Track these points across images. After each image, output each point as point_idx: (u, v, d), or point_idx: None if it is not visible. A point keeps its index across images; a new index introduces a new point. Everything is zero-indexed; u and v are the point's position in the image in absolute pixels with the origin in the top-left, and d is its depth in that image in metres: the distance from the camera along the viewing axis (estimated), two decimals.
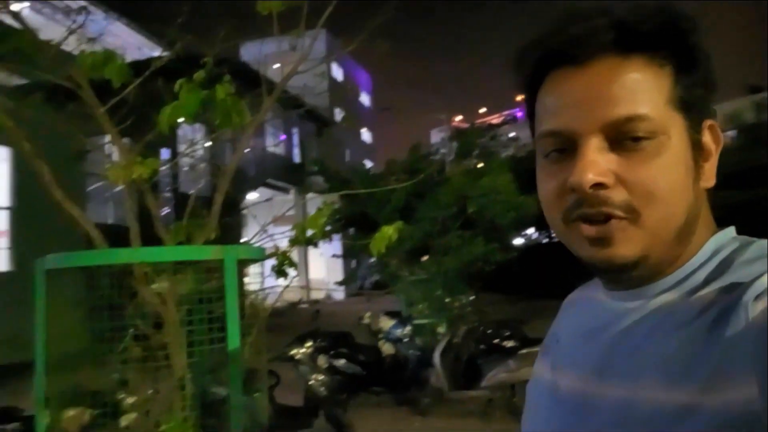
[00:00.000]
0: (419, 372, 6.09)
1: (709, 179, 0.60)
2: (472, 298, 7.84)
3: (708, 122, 0.60)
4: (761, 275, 0.51)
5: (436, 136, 40.13)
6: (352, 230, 11.15)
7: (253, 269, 3.44)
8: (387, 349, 6.70)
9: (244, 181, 21.85)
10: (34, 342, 1.93)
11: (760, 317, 0.48)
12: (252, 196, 22.45)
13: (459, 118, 42.37)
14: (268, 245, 2.58)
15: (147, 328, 2.01)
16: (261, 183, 23.33)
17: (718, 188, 0.61)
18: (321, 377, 5.33)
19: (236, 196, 20.03)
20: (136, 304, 2.00)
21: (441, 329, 6.82)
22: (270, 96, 2.65)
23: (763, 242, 0.57)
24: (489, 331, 6.07)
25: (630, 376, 0.55)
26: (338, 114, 35.37)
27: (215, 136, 3.13)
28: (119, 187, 2.06)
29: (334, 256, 10.55)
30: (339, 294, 24.10)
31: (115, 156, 2.21)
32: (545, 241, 20.55)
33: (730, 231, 0.62)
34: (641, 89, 0.56)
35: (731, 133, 18.81)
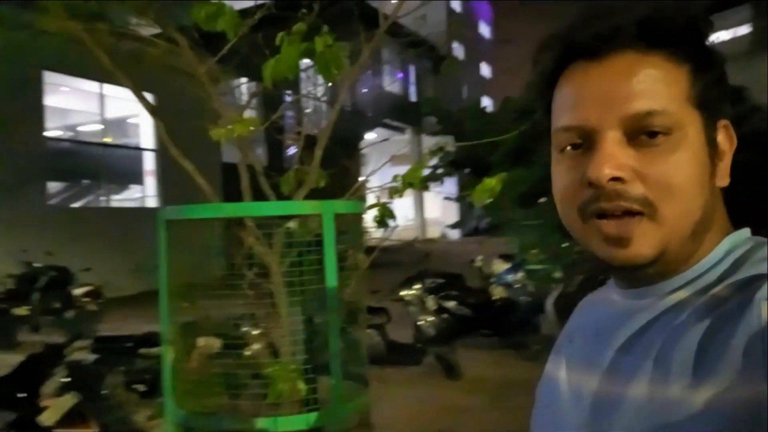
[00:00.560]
0: (529, 318, 6.01)
1: (724, 178, 0.60)
2: None
3: (722, 122, 0.61)
4: None
5: None
6: (467, 170, 10.98)
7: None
8: (498, 292, 6.66)
9: (361, 122, 22.23)
10: (159, 281, 2.15)
11: None
12: (370, 137, 22.85)
13: None
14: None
15: (254, 275, 2.15)
16: (378, 123, 23.57)
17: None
18: (430, 318, 5.46)
19: (354, 136, 20.55)
20: (244, 252, 2.15)
21: (556, 275, 6.60)
22: (380, 30, 2.59)
23: None
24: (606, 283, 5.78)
25: (646, 374, 0.55)
26: (456, 48, 34.20)
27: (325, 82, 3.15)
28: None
29: (446, 198, 10.45)
30: (454, 234, 24.21)
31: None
32: None
33: (745, 231, 0.61)
34: (660, 85, 0.56)
35: None
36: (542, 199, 8.56)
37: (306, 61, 2.37)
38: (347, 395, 2.08)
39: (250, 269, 2.14)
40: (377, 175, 2.85)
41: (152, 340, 3.43)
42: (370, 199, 2.78)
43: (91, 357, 3.26)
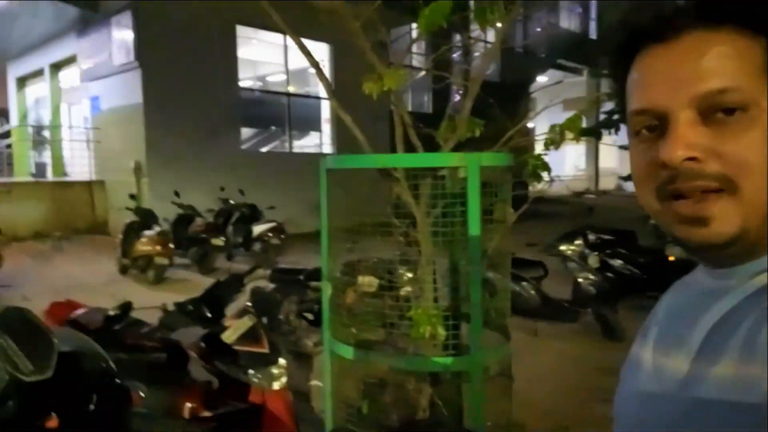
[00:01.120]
0: None
1: None
2: None
3: None
4: None
5: None
6: None
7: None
8: (675, 253, 6.07)
9: (533, 64, 21.04)
10: (321, 223, 2.38)
11: None
12: (542, 79, 21.60)
13: None
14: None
15: (403, 223, 2.27)
16: (552, 64, 22.11)
17: None
18: (591, 276, 5.20)
19: (525, 79, 19.59)
20: (393, 201, 2.26)
21: None
22: None
23: None
24: None
25: (733, 356, 0.54)
26: None
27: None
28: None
29: (620, 147, 9.60)
30: (631, 186, 22.22)
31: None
32: None
33: None
34: (731, 61, 0.55)
35: None
36: None
37: None
38: (488, 345, 2.13)
39: (400, 218, 2.26)
40: (547, 121, 2.75)
41: (320, 274, 3.81)
42: (539, 147, 2.70)
43: (270, 285, 3.73)
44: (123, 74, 11.15)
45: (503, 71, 18.61)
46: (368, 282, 2.51)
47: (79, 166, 12.90)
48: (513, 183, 2.38)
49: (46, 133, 15.75)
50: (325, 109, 14.26)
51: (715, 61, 0.55)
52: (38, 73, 14.96)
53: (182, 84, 10.91)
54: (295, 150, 14.49)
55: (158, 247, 7.55)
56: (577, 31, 24.04)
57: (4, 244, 8.06)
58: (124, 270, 8.11)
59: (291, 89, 14.25)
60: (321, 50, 12.44)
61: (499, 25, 2.51)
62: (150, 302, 3.22)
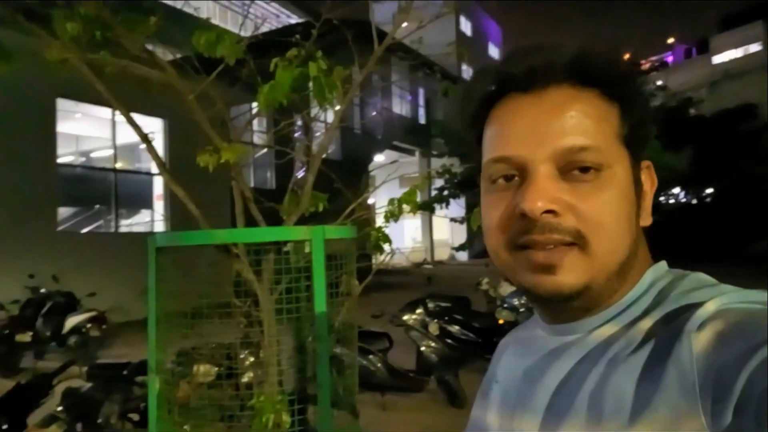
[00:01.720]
0: None
1: (647, 218, 0.61)
2: None
3: (645, 162, 0.62)
4: (700, 305, 0.51)
5: None
6: (476, 190, 10.96)
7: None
8: (504, 316, 6.56)
9: (371, 144, 22.35)
10: (148, 308, 2.13)
11: (704, 347, 0.48)
12: (380, 158, 22.94)
13: None
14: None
15: (245, 302, 2.12)
16: (388, 145, 23.69)
17: None
18: (432, 344, 5.37)
19: (363, 158, 20.64)
20: (233, 279, 2.12)
21: None
22: (375, 54, 2.60)
23: (696, 274, 0.59)
24: None
25: (580, 416, 0.54)
26: (466, 71, 34.46)
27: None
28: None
29: (451, 220, 10.43)
30: (463, 256, 24.04)
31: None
32: (694, 201, 18.71)
33: (663, 264, 0.63)
34: (592, 122, 0.57)
35: None
36: None
37: None
38: (337, 426, 2.03)
39: (241, 296, 2.12)
40: (386, 197, 2.84)
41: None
42: (380, 221, 2.76)
43: (87, 385, 3.23)
44: None
45: (344, 150, 19.47)
46: (205, 371, 2.29)
47: None
48: (357, 255, 2.39)
49: None
50: (158, 185, 13.47)
51: (578, 119, 0.57)
52: None
53: None
54: (123, 230, 13.35)
55: None
56: (408, 116, 26.26)
57: None
58: None
59: (119, 165, 13.28)
60: (154, 125, 11.89)
61: (337, 107, 2.61)
62: None
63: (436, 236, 26.55)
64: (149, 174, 13.68)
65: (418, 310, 5.91)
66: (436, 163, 16.06)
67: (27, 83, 9.54)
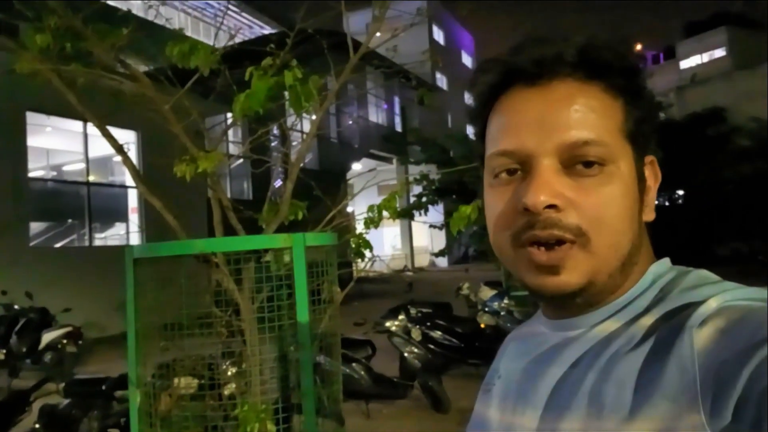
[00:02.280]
0: None
1: (650, 213, 0.61)
2: None
3: (649, 157, 0.61)
4: (703, 302, 0.51)
5: None
6: (454, 197, 11.04)
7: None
8: (485, 320, 6.60)
9: (348, 153, 22.37)
10: (127, 321, 2.10)
11: (706, 344, 0.48)
12: (357, 167, 22.96)
13: None
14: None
15: (225, 312, 2.11)
16: (365, 153, 23.74)
17: None
18: (415, 350, 5.38)
19: (341, 167, 20.64)
20: (213, 289, 2.10)
21: None
22: (351, 62, 2.61)
23: (699, 271, 0.58)
24: None
25: (581, 410, 0.54)
26: (440, 79, 34.76)
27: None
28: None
29: (430, 226, 10.47)
30: (443, 262, 24.13)
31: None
32: (666, 204, 19.09)
33: (666, 261, 0.62)
34: (597, 116, 0.56)
35: None
36: None
37: None
38: None
39: (221, 306, 2.10)
40: (364, 205, 2.85)
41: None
42: (360, 228, 2.77)
43: (64, 401, 3.16)
44: None
45: (321, 159, 19.45)
46: (186, 383, 2.26)
47: None
48: (338, 263, 2.39)
49: None
50: (132, 197, 13.27)
51: (583, 113, 0.56)
52: None
53: None
54: (97, 243, 13.09)
55: None
56: (385, 125, 26.36)
57: None
58: None
59: (92, 178, 13.05)
60: (127, 137, 11.73)
61: (314, 117, 2.61)
62: None
63: (415, 243, 26.63)
64: (123, 187, 13.48)
65: (401, 317, 5.91)
66: (414, 171, 16.16)
67: None
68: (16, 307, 8.26)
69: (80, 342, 7.64)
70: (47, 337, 7.55)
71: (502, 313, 6.58)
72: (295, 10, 3.02)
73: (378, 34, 2.80)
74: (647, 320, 0.55)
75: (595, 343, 0.57)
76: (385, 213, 2.69)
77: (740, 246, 16.95)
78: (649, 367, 0.51)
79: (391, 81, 21.06)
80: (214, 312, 2.12)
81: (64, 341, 7.50)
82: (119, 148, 2.20)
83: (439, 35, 35.92)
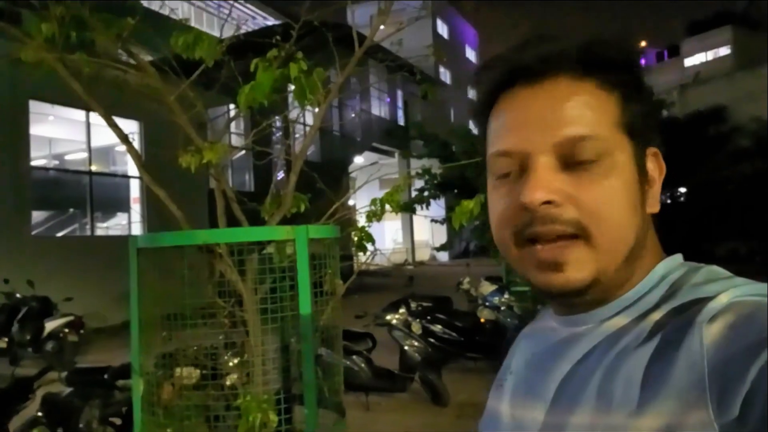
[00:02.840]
0: None
1: (654, 205, 0.60)
2: None
3: (652, 149, 0.61)
4: (713, 298, 0.51)
5: None
6: (456, 192, 11.02)
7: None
8: (485, 315, 6.62)
9: (350, 146, 22.34)
10: (130, 311, 2.11)
11: (715, 339, 0.48)
12: (359, 160, 22.94)
13: None
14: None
15: (228, 303, 2.12)
16: (367, 147, 23.70)
17: None
18: (415, 343, 5.39)
19: (343, 160, 20.61)
20: (216, 280, 2.11)
21: None
22: (356, 55, 2.61)
23: (711, 267, 0.58)
24: None
25: (589, 405, 0.55)
26: (443, 74, 34.66)
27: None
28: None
29: (432, 220, 10.46)
30: (444, 256, 24.14)
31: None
32: (668, 201, 19.09)
33: (678, 257, 0.62)
34: (592, 112, 0.57)
35: None
36: None
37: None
38: (323, 425, 2.03)
39: (224, 297, 2.11)
40: (366, 199, 2.85)
41: (130, 371, 3.35)
42: (362, 221, 2.77)
43: (66, 390, 3.17)
44: None
45: (323, 152, 19.43)
46: (188, 373, 2.27)
47: None
48: (339, 256, 2.39)
49: None
50: (135, 187, 13.27)
51: (578, 109, 0.56)
52: None
53: None
54: (99, 233, 13.12)
55: None
56: (387, 118, 26.30)
57: None
58: None
59: (94, 168, 13.06)
60: (130, 127, 11.72)
61: (317, 109, 2.61)
62: None
63: (416, 237, 26.63)
64: (125, 176, 13.48)
65: (401, 310, 5.93)
66: (416, 164, 16.14)
67: None
68: (17, 295, 8.29)
69: (81, 331, 7.67)
70: (49, 325, 7.59)
71: (502, 308, 6.60)
72: (299, 1, 3.01)
73: (382, 27, 2.79)
74: (656, 315, 0.55)
75: (604, 338, 0.57)
76: (387, 206, 2.70)
77: (738, 246, 16.92)
78: (657, 362, 0.51)
79: (394, 75, 20.99)
80: (216, 302, 2.14)
81: (66, 330, 7.54)
82: (124, 138, 2.20)
83: (443, 29, 35.80)
